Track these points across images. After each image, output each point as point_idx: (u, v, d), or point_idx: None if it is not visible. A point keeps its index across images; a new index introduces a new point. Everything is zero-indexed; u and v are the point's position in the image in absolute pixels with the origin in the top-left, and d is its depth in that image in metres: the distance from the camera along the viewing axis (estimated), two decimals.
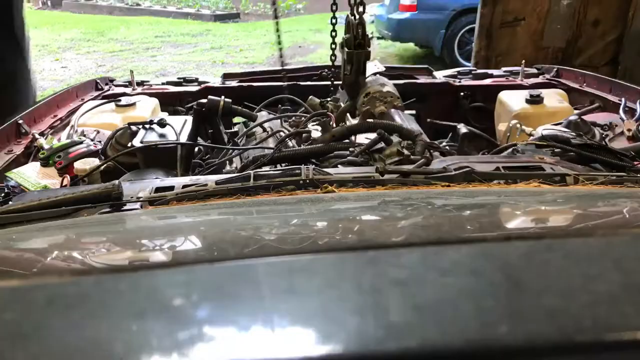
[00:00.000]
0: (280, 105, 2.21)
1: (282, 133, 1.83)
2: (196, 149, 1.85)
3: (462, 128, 2.10)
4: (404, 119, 1.93)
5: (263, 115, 2.09)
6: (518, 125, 1.98)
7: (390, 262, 0.53)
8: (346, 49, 1.79)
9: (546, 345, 0.39)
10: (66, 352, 0.40)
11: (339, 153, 1.64)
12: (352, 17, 1.79)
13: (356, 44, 1.77)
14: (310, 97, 2.17)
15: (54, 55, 8.78)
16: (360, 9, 1.79)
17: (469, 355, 0.39)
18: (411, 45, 8.23)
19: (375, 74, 2.21)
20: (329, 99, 2.13)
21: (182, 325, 0.42)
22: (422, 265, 0.51)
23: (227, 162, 1.78)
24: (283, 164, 1.58)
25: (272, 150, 1.56)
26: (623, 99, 2.11)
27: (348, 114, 2.01)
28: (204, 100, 1.85)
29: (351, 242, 0.75)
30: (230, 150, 1.81)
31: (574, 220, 0.91)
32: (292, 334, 0.42)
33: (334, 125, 1.77)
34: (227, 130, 2.06)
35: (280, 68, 2.71)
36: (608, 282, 0.48)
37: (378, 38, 8.31)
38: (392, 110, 2.00)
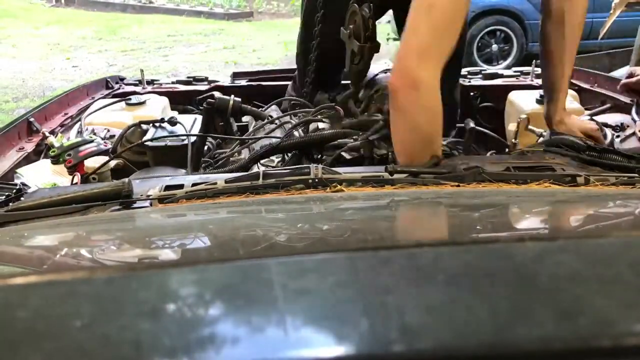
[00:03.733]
0: (290, 102, 2.21)
1: (289, 124, 1.85)
2: (205, 147, 1.86)
3: (470, 123, 2.10)
4: None
5: (273, 109, 2.11)
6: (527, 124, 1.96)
7: (402, 263, 0.52)
8: (356, 42, 1.76)
9: (563, 349, 0.39)
10: (80, 351, 0.40)
11: (342, 141, 1.65)
12: (364, 10, 1.75)
13: (366, 36, 1.74)
14: (318, 91, 2.16)
15: (65, 54, 8.82)
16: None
17: (484, 358, 0.39)
18: None
19: (385, 71, 2.20)
20: (337, 95, 2.12)
21: (195, 325, 0.42)
22: (434, 265, 0.51)
23: (237, 154, 1.80)
24: (292, 164, 1.59)
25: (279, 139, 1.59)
26: (635, 100, 2.09)
27: (351, 101, 2.00)
28: (215, 96, 1.86)
29: (362, 242, 0.75)
30: (238, 142, 1.83)
31: (588, 222, 0.91)
32: (304, 335, 0.42)
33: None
34: (238, 124, 2.09)
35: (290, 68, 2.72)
36: (625, 285, 0.47)
37: (394, 39, 8.24)
38: None
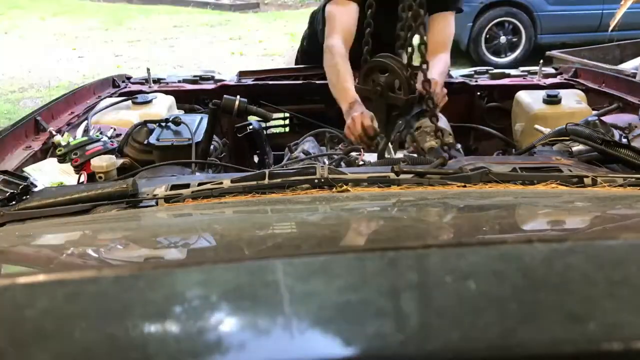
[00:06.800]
0: (327, 134, 2.21)
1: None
2: (212, 147, 1.86)
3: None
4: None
5: (310, 140, 2.11)
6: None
7: (410, 264, 0.52)
8: (402, 96, 1.71)
9: (571, 352, 0.39)
10: (87, 352, 0.41)
11: None
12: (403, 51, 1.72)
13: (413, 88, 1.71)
14: None
15: (72, 44, 8.80)
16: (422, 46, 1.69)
17: None
18: None
19: (424, 110, 2.20)
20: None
21: (202, 327, 0.43)
22: (442, 267, 0.51)
23: None
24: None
25: None
26: None
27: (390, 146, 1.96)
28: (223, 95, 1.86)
29: (369, 243, 0.75)
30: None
31: (597, 223, 0.90)
32: (311, 336, 0.42)
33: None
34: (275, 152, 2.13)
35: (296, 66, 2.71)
36: (634, 287, 0.47)
37: None
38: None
